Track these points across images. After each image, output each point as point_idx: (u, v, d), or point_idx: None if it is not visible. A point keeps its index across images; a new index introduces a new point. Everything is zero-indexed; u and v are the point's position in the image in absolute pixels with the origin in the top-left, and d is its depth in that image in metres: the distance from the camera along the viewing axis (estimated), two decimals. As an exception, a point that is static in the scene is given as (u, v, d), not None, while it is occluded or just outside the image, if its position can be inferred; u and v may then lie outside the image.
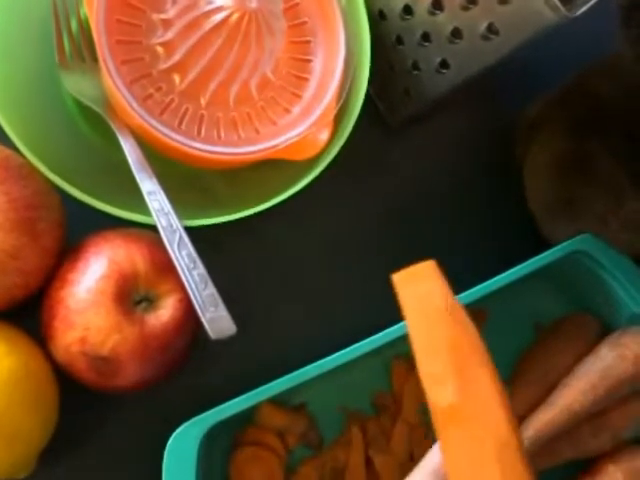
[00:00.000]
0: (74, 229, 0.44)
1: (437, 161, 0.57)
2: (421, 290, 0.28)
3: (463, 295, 0.48)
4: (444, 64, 0.46)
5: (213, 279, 0.41)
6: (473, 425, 0.27)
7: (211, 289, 0.40)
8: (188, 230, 0.42)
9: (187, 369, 0.47)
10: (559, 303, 0.55)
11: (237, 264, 0.50)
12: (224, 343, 0.44)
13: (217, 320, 0.39)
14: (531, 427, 0.48)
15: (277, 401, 0.48)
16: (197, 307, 0.40)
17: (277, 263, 0.51)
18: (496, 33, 0.41)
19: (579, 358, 0.51)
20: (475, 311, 0.53)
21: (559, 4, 0.36)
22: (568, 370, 0.51)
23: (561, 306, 0.55)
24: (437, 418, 0.28)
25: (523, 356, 0.53)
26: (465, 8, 0.42)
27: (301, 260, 0.52)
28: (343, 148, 0.47)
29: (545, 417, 0.48)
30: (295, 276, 0.51)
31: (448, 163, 0.57)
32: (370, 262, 0.53)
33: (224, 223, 0.45)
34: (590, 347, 0.52)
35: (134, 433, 0.46)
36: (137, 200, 0.43)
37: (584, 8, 0.37)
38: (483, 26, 0.41)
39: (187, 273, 0.41)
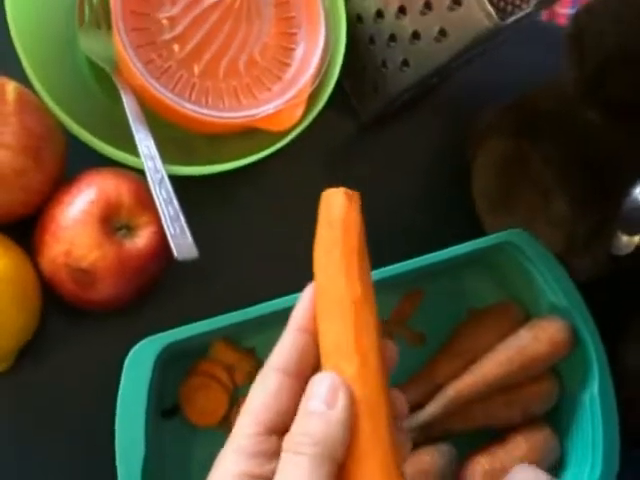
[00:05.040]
0: (74, 166, 0.52)
1: (402, 156, 0.64)
2: (349, 205, 0.35)
3: (403, 264, 0.54)
4: (405, 62, 0.54)
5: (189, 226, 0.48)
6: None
7: (181, 221, 0.47)
8: (173, 186, 0.49)
9: (155, 300, 0.54)
10: (490, 291, 0.61)
11: (212, 218, 0.57)
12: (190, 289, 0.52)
13: (183, 244, 0.46)
14: (451, 388, 0.55)
15: (230, 341, 0.55)
16: (168, 233, 0.47)
17: (246, 221, 0.58)
18: (446, 35, 0.49)
19: (501, 338, 0.57)
20: (413, 289, 0.60)
21: (493, 13, 0.44)
22: (491, 347, 0.57)
23: (492, 294, 0.61)
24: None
25: (453, 333, 0.59)
26: (423, 13, 0.50)
27: (267, 222, 0.59)
28: (316, 130, 0.55)
29: (464, 381, 0.55)
30: (260, 234, 0.58)
31: (411, 158, 0.65)
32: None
33: (204, 183, 0.53)
34: (513, 330, 0.58)
35: (99, 349, 0.53)
36: (130, 147, 0.50)
37: (513, 18, 0.44)
38: (436, 29, 0.49)
39: (163, 206, 0.48)
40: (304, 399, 0.32)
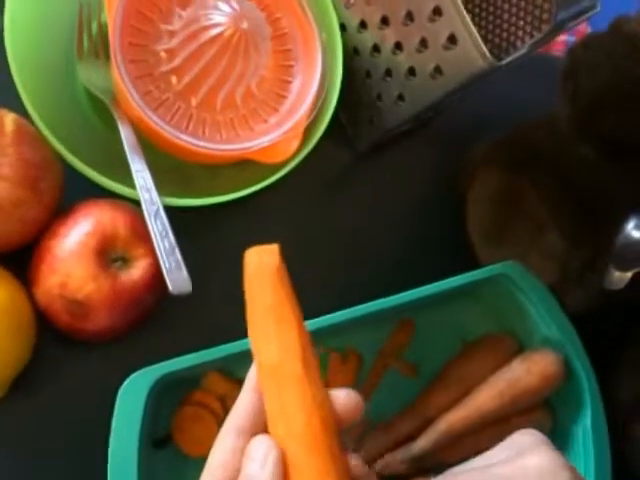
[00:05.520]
0: (71, 196, 0.52)
1: (397, 186, 0.65)
2: (263, 262, 0.34)
3: (397, 297, 0.55)
4: (401, 97, 0.55)
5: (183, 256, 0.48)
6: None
7: (177, 255, 0.48)
8: (168, 215, 0.49)
9: (148, 330, 0.54)
10: (484, 322, 0.62)
11: (208, 248, 0.58)
12: (182, 316, 0.52)
13: (178, 279, 0.47)
14: (443, 422, 0.55)
15: (223, 372, 0.55)
16: (163, 267, 0.47)
17: (242, 252, 0.58)
18: (441, 73, 0.50)
19: (494, 370, 0.58)
20: (405, 319, 0.61)
21: (488, 54, 0.45)
22: (484, 379, 0.57)
23: (485, 326, 0.61)
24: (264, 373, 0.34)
25: (446, 364, 0.60)
26: (419, 51, 0.51)
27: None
28: (312, 160, 0.55)
29: (456, 415, 0.55)
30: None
31: (406, 189, 0.65)
32: (319, 264, 0.60)
33: (199, 213, 0.53)
34: (506, 362, 0.58)
35: (92, 379, 0.53)
36: (126, 177, 0.51)
37: (508, 59, 0.45)
38: (431, 67, 0.50)
39: (159, 239, 0.48)
40: (244, 462, 0.32)
